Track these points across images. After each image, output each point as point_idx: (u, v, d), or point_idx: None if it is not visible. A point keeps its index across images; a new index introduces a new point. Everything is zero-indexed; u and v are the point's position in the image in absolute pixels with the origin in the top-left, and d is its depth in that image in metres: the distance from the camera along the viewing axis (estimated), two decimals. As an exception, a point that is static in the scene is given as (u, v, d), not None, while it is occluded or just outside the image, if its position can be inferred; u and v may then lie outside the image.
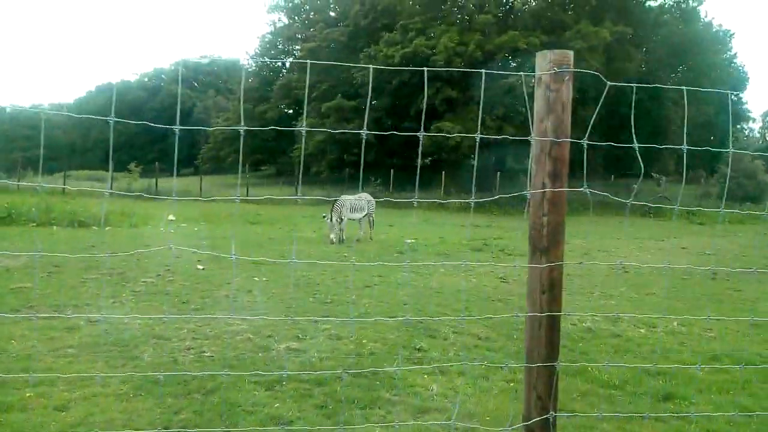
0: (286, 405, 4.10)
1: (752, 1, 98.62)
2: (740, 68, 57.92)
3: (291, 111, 50.42)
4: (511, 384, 4.64)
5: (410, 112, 31.38)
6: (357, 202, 14.53)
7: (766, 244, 18.81)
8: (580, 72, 2.46)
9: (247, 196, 29.56)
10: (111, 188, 30.44)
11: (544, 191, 2.33)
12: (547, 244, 2.38)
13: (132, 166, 30.81)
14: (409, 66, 29.26)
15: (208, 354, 5.19)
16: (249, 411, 4.00)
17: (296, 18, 53.54)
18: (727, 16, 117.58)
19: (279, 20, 56.29)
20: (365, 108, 25.44)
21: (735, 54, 62.26)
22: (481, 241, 16.11)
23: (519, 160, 37.55)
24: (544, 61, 2.44)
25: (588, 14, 29.52)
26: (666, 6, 33.24)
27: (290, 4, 52.84)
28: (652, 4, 33.98)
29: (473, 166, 38.62)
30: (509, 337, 6.03)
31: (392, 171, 29.02)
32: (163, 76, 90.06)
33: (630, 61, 31.00)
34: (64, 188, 23.02)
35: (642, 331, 6.58)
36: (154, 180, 31.37)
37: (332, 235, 13.73)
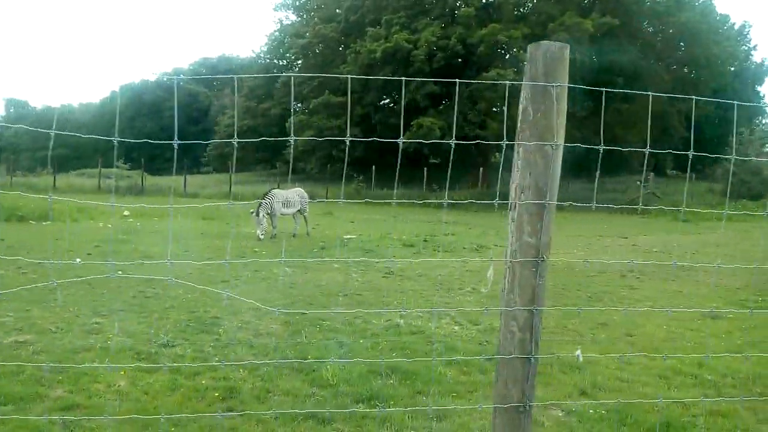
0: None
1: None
2: (757, 61, 56.28)
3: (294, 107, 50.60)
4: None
5: (395, 108, 31.04)
6: (289, 197, 14.34)
7: (735, 240, 18.00)
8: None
9: (230, 192, 29.64)
10: (99, 186, 30.97)
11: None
12: None
13: (120, 163, 31.22)
14: (391, 61, 28.93)
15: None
16: None
17: (304, 15, 53.61)
18: (752, 9, 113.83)
19: (286, 17, 56.43)
20: (353, 104, 25.19)
21: (754, 46, 60.42)
22: (428, 236, 15.85)
23: (506, 153, 36.90)
24: (537, 52, 2.01)
25: (576, 5, 28.73)
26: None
27: (297, 2, 52.93)
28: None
29: (454, 162, 38.25)
30: (295, 332, 5.77)
31: (374, 168, 28.77)
32: (182, 75, 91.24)
33: (623, 54, 30.06)
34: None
35: (455, 328, 6.25)
36: (156, 177, 31.85)
37: (258, 231, 13.52)
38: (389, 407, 4.00)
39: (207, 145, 60.70)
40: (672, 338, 6.37)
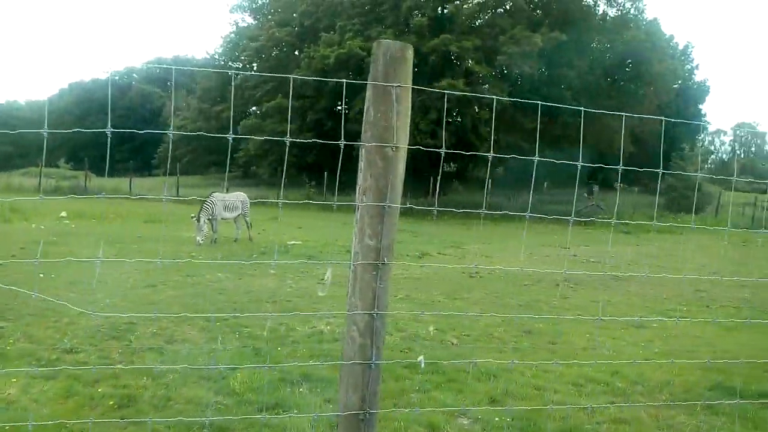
0: None
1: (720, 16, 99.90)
2: (700, 81, 58.73)
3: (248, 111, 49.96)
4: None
5: (349, 114, 30.97)
6: (230, 201, 14.09)
7: (672, 252, 18.60)
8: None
9: (177, 195, 29.01)
10: (39, 186, 29.76)
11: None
12: None
13: (61, 162, 30.15)
14: (344, 67, 28.87)
15: None
16: None
17: (260, 18, 53.06)
18: (695, 30, 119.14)
19: (242, 20, 55.76)
20: (305, 108, 24.99)
21: (696, 66, 62.98)
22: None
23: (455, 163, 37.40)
24: (379, 51, 1.91)
25: (527, 20, 29.33)
26: (607, 15, 33.13)
27: (254, 5, 52.36)
28: (601, 10, 33.92)
29: (407, 171, 38.53)
30: (211, 338, 5.61)
31: (326, 174, 28.59)
32: (134, 74, 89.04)
33: (571, 68, 30.83)
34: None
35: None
36: (104, 179, 30.79)
37: (198, 237, 13.18)
38: (293, 415, 3.91)
39: (157, 147, 59.43)
40: (593, 346, 6.48)
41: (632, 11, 33.57)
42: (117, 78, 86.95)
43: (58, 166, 31.11)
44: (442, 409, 4.08)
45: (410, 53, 1.78)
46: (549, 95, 29.51)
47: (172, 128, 2.84)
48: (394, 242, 1.74)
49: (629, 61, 33.97)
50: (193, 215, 13.70)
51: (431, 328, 6.58)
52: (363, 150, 1.76)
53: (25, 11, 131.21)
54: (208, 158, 53.68)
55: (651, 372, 5.49)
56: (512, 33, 27.90)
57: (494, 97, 2.83)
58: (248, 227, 14.91)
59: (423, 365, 4.68)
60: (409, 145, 2.02)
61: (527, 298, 9.15)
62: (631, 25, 33.85)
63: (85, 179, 30.33)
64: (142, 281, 8.31)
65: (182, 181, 48.53)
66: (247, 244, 14.32)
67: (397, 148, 1.71)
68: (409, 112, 1.82)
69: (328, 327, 6.37)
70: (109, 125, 2.13)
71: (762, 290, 11.52)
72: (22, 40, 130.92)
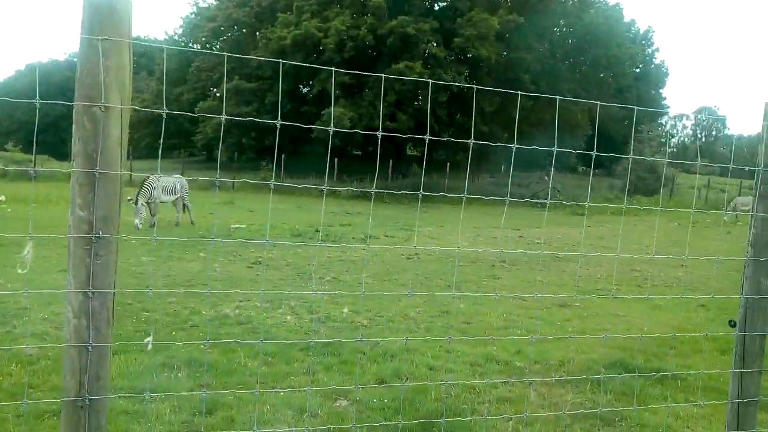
0: None
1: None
2: (660, 64, 59.61)
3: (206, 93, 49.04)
4: None
5: (307, 97, 30.59)
6: (169, 184, 13.74)
7: (618, 234, 18.84)
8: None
9: (131, 181, 28.31)
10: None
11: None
12: None
13: (9, 146, 29.14)
14: (301, 48, 28.40)
15: None
16: None
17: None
18: (657, 15, 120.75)
19: (203, 0, 54.47)
20: (264, 90, 24.46)
21: (656, 49, 63.79)
22: (325, 226, 15.76)
23: (416, 147, 37.33)
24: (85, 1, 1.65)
25: (485, 2, 29.20)
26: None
27: (216, -16, 51.14)
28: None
29: (364, 153, 38.29)
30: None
31: (283, 156, 28.23)
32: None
33: (529, 52, 30.87)
34: None
35: (288, 317, 6.06)
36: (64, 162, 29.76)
37: (137, 220, 12.80)
38: (162, 400, 3.75)
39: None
40: (507, 326, 6.45)
41: (591, -6, 33.74)
42: (75, 59, 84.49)
43: (6, 150, 29.94)
44: (322, 388, 3.96)
45: (123, 4, 1.59)
46: (507, 78, 29.57)
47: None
48: (116, 213, 1.58)
49: (586, 45, 34.19)
50: (129, 198, 13.30)
51: (345, 310, 6.47)
52: (74, 111, 1.59)
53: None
54: (168, 142, 52.62)
55: (555, 351, 5.48)
56: (470, 15, 27.75)
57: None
58: (188, 211, 14.57)
59: (150, 347, 4.52)
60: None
61: (457, 279, 9.10)
62: (591, 10, 34.02)
63: (34, 162, 29.38)
64: (57, 266, 8.00)
65: (141, 165, 47.56)
66: (188, 228, 14.02)
67: (107, 108, 1.55)
68: (127, 70, 1.64)
69: (238, 310, 6.20)
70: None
71: (697, 269, 11.74)
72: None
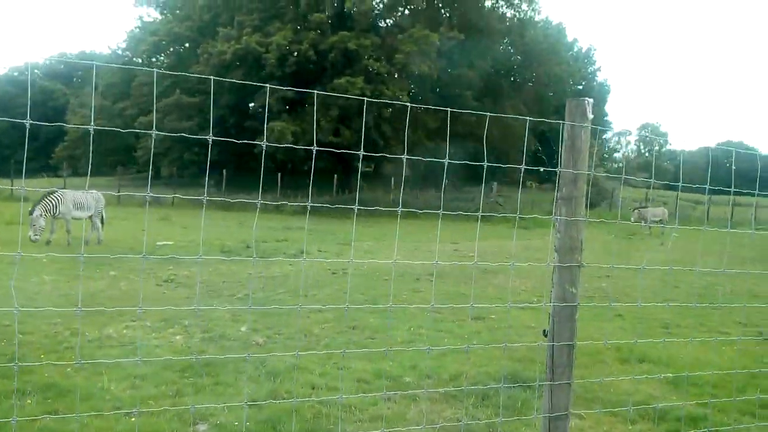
0: None
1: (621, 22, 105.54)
2: (601, 82, 61.61)
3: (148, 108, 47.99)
4: None
5: (249, 111, 30.18)
6: (81, 200, 13.12)
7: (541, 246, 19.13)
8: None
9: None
10: None
11: None
12: None
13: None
14: (242, 63, 28.07)
15: None
16: None
17: (167, 13, 51.06)
18: (600, 35, 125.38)
19: (148, 14, 53.53)
20: (207, 105, 23.91)
21: (598, 68, 65.96)
22: (260, 242, 15.44)
23: (363, 162, 37.31)
24: None
25: (427, 19, 29.55)
26: (506, 17, 33.95)
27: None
28: (501, 11, 34.66)
29: (310, 168, 38.05)
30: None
31: (225, 172, 27.71)
32: (36, 71, 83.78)
33: (471, 68, 31.34)
34: None
35: (178, 338, 5.76)
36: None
37: (31, 232, 12.05)
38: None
39: (56, 146, 56.10)
40: (412, 340, 6.30)
41: (529, 12, 34.60)
42: (16, 74, 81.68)
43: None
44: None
45: None
46: (450, 94, 29.89)
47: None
48: None
49: (528, 63, 34.97)
50: (30, 210, 12.52)
51: (243, 328, 6.21)
52: None
53: None
54: (112, 158, 51.12)
55: (451, 365, 5.35)
56: (411, 32, 28.01)
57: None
58: (101, 228, 13.79)
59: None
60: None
61: (377, 293, 8.92)
62: (532, 30, 34.86)
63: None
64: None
65: (84, 182, 45.98)
66: (99, 246, 13.25)
67: None
68: None
69: (126, 331, 5.87)
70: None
71: (621, 280, 11.90)
72: None
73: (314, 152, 2.32)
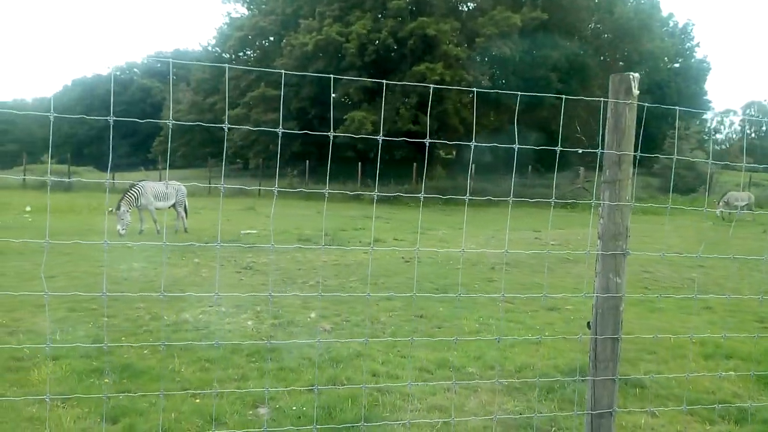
0: None
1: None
2: (700, 59, 57.46)
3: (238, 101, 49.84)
4: None
5: (330, 101, 30.59)
6: (161, 191, 13.78)
7: (644, 233, 18.11)
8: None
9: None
10: (24, 181, 29.83)
11: None
12: None
13: (45, 157, 30.17)
14: (323, 54, 28.49)
15: None
16: None
17: (253, 8, 52.77)
18: (696, 7, 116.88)
19: (235, 10, 55.48)
20: (290, 97, 24.73)
21: (697, 44, 61.53)
22: (339, 231, 15.70)
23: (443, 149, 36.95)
24: None
25: (509, 1, 28.70)
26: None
27: (246, -6, 52.01)
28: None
29: (391, 158, 38.13)
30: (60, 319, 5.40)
31: (308, 162, 28.33)
32: (135, 69, 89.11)
33: (555, 49, 30.18)
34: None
35: (249, 323, 5.94)
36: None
37: (119, 227, 12.68)
38: (72, 407, 3.67)
39: (154, 141, 59.53)
40: (479, 330, 6.18)
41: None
42: (118, 73, 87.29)
43: (42, 162, 31.05)
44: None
45: None
46: (533, 77, 28.95)
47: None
48: None
49: (618, 41, 33.22)
50: (110, 208, 13.25)
51: (312, 315, 6.33)
52: None
53: (29, 8, 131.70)
54: (203, 150, 53.61)
55: (518, 356, 5.20)
56: (491, 14, 27.33)
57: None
58: (185, 217, 14.50)
59: None
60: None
61: (447, 282, 8.82)
62: (621, 5, 33.01)
63: (69, 173, 30.33)
64: (44, 272, 8.12)
65: (178, 174, 48.64)
66: (187, 235, 13.92)
67: None
68: None
69: (202, 315, 6.13)
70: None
71: (714, 270, 11.14)
72: (27, 37, 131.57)
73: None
